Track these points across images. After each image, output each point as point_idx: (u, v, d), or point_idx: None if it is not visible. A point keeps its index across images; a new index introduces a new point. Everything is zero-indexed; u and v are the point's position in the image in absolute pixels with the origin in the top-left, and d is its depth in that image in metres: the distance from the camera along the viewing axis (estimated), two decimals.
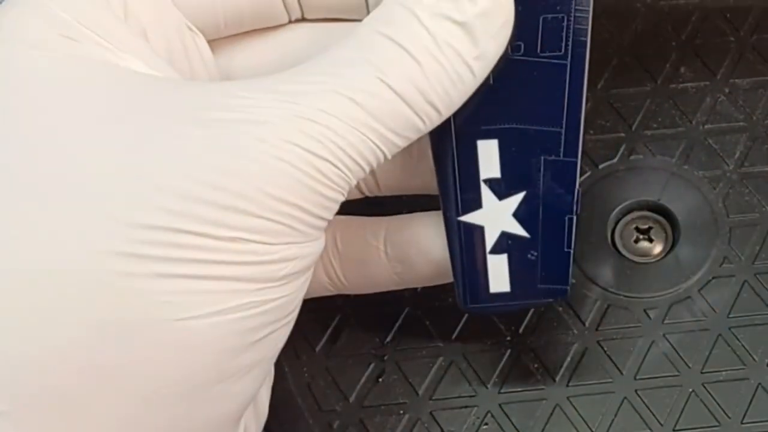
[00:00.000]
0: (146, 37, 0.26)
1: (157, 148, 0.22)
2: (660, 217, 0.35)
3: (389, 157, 0.24)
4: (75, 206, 0.22)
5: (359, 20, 0.26)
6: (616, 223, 0.35)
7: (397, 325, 0.33)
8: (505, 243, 0.28)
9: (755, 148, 0.35)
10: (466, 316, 0.33)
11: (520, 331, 0.33)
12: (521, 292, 0.29)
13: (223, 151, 0.22)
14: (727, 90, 0.36)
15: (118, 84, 0.24)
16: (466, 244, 0.28)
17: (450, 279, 0.29)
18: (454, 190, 0.28)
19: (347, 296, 0.33)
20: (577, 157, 0.27)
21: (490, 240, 0.28)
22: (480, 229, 0.28)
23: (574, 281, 0.33)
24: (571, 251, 0.28)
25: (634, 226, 0.35)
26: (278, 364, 0.30)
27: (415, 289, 0.33)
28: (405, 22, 0.24)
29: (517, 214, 0.28)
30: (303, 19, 0.28)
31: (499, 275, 0.29)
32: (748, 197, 0.35)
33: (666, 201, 0.35)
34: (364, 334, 0.33)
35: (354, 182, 0.24)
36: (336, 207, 0.24)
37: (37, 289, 0.22)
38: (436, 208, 0.28)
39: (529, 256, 0.28)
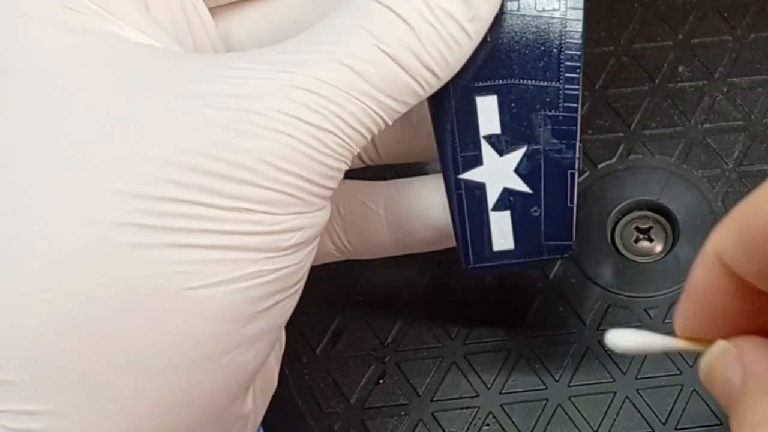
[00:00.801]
0: (147, 7, 0.26)
1: (158, 120, 0.23)
2: (660, 217, 0.35)
3: (389, 123, 0.24)
4: (77, 179, 0.22)
5: None
6: (616, 223, 0.35)
7: (397, 326, 0.33)
8: (508, 200, 0.28)
9: (754, 147, 0.35)
10: (465, 317, 0.33)
11: (521, 331, 0.33)
12: (525, 249, 0.28)
13: (224, 123, 0.22)
14: (725, 89, 0.36)
15: (117, 55, 0.24)
16: (467, 203, 0.28)
17: (451, 244, 0.29)
18: (454, 148, 0.27)
19: (347, 299, 0.33)
20: (577, 112, 0.27)
21: (492, 197, 0.28)
22: (481, 186, 0.28)
23: (574, 281, 0.33)
24: (574, 206, 0.28)
25: (633, 225, 0.35)
26: (279, 367, 0.30)
27: (415, 291, 0.33)
28: None
29: (518, 170, 0.28)
30: None
31: (502, 233, 0.28)
32: (747, 196, 0.35)
33: (665, 200, 0.35)
34: (365, 336, 0.33)
35: (356, 150, 0.24)
36: (340, 176, 0.24)
37: (46, 261, 0.22)
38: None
39: (532, 212, 0.28)
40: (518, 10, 0.26)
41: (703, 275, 0.20)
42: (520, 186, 0.28)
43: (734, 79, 0.37)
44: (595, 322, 0.33)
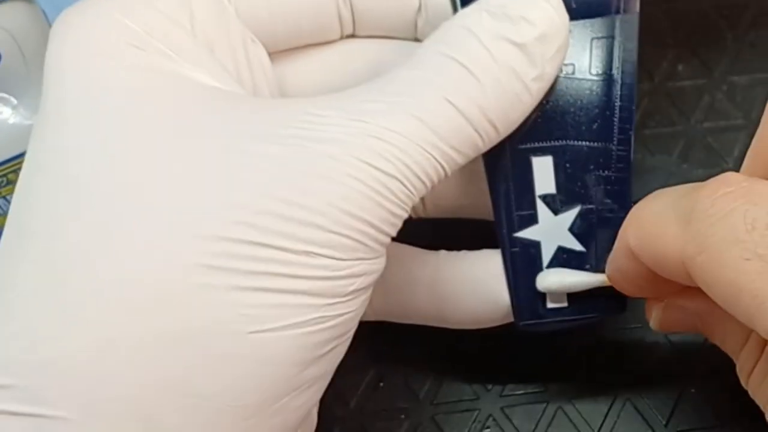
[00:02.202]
0: (212, 49, 0.26)
1: (232, 163, 0.23)
2: None
3: (449, 174, 0.25)
4: (155, 219, 0.22)
5: (405, 39, 0.27)
6: None
7: (396, 329, 0.33)
8: (562, 257, 0.28)
9: None
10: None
11: (520, 333, 0.33)
12: (579, 306, 0.29)
13: (297, 167, 0.23)
14: (724, 88, 0.36)
15: (186, 97, 0.24)
16: (522, 260, 0.28)
17: (507, 320, 0.29)
18: (509, 207, 0.28)
19: None
20: (628, 172, 0.28)
21: (547, 255, 0.28)
22: (536, 245, 0.28)
23: None
24: None
25: None
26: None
27: None
28: (466, 43, 0.24)
29: (572, 229, 0.28)
30: (353, 36, 0.29)
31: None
32: None
33: None
34: (365, 339, 0.33)
35: (417, 199, 0.24)
36: (400, 224, 0.25)
37: (113, 299, 0.22)
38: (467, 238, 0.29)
39: (585, 270, 0.28)
40: (573, 73, 0.27)
41: (625, 259, 0.26)
42: (574, 244, 0.28)
43: (734, 77, 0.37)
44: (597, 324, 0.33)
